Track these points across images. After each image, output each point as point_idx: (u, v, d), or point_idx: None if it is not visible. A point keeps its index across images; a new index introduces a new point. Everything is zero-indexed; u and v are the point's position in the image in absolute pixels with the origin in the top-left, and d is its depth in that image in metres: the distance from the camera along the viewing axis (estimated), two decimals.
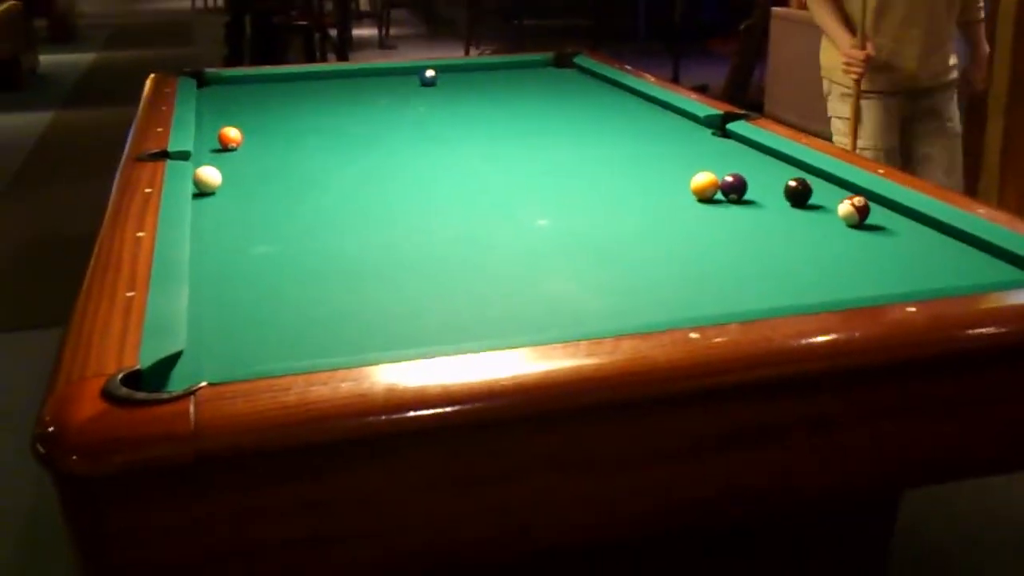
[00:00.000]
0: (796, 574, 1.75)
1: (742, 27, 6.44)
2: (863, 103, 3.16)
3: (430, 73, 3.36)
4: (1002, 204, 4.57)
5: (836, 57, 3.17)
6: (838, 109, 3.29)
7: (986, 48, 3.38)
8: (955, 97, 3.27)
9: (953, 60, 3.23)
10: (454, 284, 1.65)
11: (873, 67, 3.09)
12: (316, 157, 2.47)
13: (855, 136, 3.17)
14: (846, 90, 3.20)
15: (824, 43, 3.31)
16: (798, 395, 1.34)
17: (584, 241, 1.86)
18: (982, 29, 3.33)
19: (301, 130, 2.76)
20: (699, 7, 7.73)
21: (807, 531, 1.71)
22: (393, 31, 10.15)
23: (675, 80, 7.21)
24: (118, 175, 2.07)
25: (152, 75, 3.19)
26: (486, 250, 1.82)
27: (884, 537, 1.78)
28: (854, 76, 3.09)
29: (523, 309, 1.54)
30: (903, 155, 3.22)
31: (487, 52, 8.02)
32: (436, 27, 10.56)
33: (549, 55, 3.74)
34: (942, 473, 1.55)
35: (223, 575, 1.16)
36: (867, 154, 3.08)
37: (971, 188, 4.60)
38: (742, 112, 2.67)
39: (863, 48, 3.04)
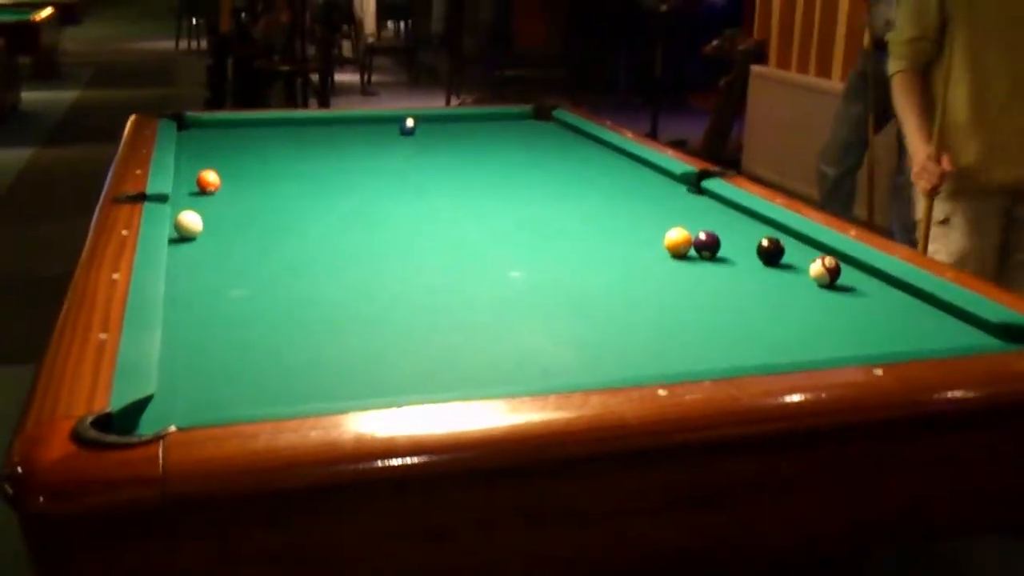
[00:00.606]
0: None
1: (720, 83, 6.54)
2: (951, 205, 2.72)
3: (410, 123, 3.39)
4: None
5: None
6: (920, 208, 2.83)
7: None
8: None
9: None
10: (426, 334, 1.66)
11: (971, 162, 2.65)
12: (294, 203, 2.48)
13: (926, 239, 2.78)
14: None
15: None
16: (765, 454, 1.36)
17: (557, 294, 1.88)
18: None
19: (280, 175, 2.78)
20: (681, 61, 7.83)
21: None
22: (375, 78, 10.22)
23: (654, 134, 7.30)
24: (95, 216, 2.07)
25: (133, 116, 3.21)
26: (460, 301, 1.83)
27: None
28: (925, 188, 2.71)
29: (494, 360, 1.55)
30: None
31: (468, 101, 8.09)
32: (418, 75, 10.65)
33: (529, 108, 3.78)
34: (905, 534, 1.56)
35: None
36: (945, 260, 2.63)
37: None
38: (717, 170, 2.71)
39: (938, 160, 2.63)
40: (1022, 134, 2.66)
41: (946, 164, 2.65)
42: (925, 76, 2.74)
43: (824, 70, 5.66)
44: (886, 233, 4.40)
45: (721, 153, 6.51)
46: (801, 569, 1.67)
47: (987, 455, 1.47)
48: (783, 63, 6.10)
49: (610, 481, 1.31)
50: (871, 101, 4.28)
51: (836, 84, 5.25)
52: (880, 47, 4.32)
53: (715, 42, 6.75)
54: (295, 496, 1.17)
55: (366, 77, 9.86)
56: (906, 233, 4.33)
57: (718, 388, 1.36)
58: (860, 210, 4.52)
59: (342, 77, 10.00)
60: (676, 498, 1.34)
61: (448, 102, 8.23)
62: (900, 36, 2.76)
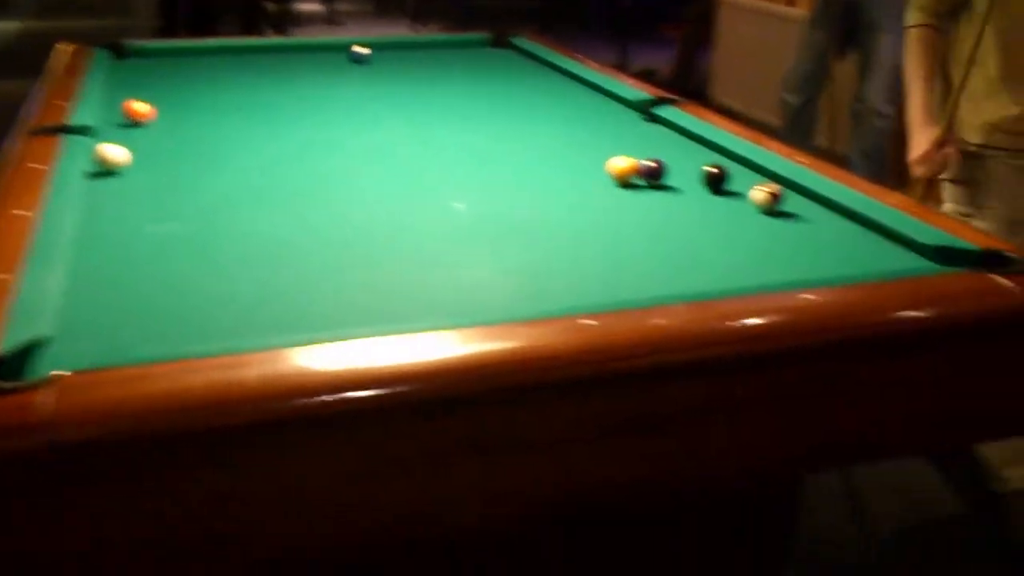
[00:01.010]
0: (697, 561, 1.74)
1: (687, 13, 6.43)
2: (984, 164, 2.47)
3: (362, 51, 3.29)
4: None
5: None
6: (953, 168, 2.57)
7: None
8: None
9: None
10: (358, 267, 1.61)
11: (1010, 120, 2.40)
12: (237, 134, 2.40)
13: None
14: (971, 147, 2.49)
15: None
16: (703, 381, 1.32)
17: (500, 224, 1.83)
18: None
19: (224, 106, 2.69)
20: None
21: (708, 518, 1.70)
22: (341, 7, 10.02)
23: (623, 65, 7.20)
24: (3, 150, 1.98)
25: (58, 45, 3.06)
26: (399, 232, 1.78)
27: (787, 521, 1.78)
28: (924, 176, 2.48)
29: (428, 293, 1.50)
30: None
31: (434, 30, 7.94)
32: (384, 4, 10.44)
33: (487, 36, 3.69)
34: (849, 456, 1.55)
35: (87, 571, 1.12)
36: (988, 226, 2.37)
37: None
38: (672, 97, 2.65)
39: (943, 143, 2.42)
40: None
41: (950, 149, 2.45)
42: (942, 34, 2.49)
43: None
44: (846, 161, 4.36)
45: (689, 83, 6.43)
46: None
47: (926, 378, 1.44)
48: None
49: (554, 411, 1.26)
50: (834, 28, 4.22)
51: (803, 12, 5.16)
52: None
53: None
54: (200, 439, 1.12)
55: (331, 6, 9.65)
56: (866, 160, 4.31)
57: (649, 316, 1.33)
58: (822, 138, 4.47)
59: (308, 5, 9.80)
60: (622, 426, 1.30)
61: (413, 31, 8.08)
62: None
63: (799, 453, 1.43)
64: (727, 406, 1.34)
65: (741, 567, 1.76)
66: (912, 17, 2.55)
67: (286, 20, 7.63)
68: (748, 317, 1.37)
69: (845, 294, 1.44)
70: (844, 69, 4.35)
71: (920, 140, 2.49)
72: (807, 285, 1.46)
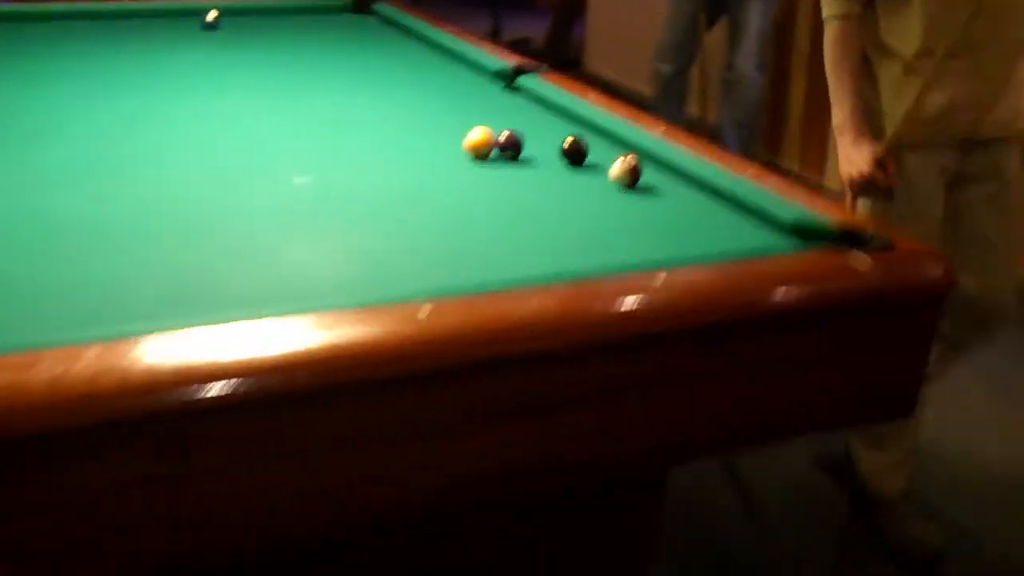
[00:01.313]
0: (563, 554, 1.67)
1: None
2: (899, 158, 2.22)
3: (211, 15, 3.11)
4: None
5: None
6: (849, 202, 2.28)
7: None
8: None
9: None
10: (182, 250, 1.47)
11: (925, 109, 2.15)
12: (61, 105, 2.21)
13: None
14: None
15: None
16: (573, 366, 1.25)
17: (344, 202, 1.71)
18: None
19: (49, 75, 2.48)
20: None
21: (576, 510, 1.64)
22: None
23: (496, 33, 7.10)
24: None
25: None
26: (231, 211, 1.65)
27: (655, 512, 1.73)
28: (854, 192, 2.21)
29: (251, 279, 1.39)
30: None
31: None
32: None
33: (349, 1, 3.53)
34: (720, 445, 1.52)
35: None
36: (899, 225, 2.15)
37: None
38: (534, 66, 2.56)
39: (883, 162, 2.14)
40: (999, 67, 2.16)
41: (891, 169, 2.16)
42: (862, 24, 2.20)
43: None
44: (718, 130, 4.37)
45: (563, 53, 6.37)
46: None
47: (790, 363, 1.40)
48: None
49: (418, 401, 1.18)
50: None
51: None
52: None
53: None
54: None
55: None
56: (738, 129, 4.32)
57: (504, 300, 1.25)
58: (694, 108, 4.47)
59: None
60: (493, 415, 1.23)
61: None
62: None
63: (678, 440, 1.38)
64: (602, 390, 1.28)
65: (607, 560, 1.70)
66: (833, 7, 2.20)
67: None
68: (616, 298, 1.29)
69: (709, 275, 1.38)
70: (714, 38, 4.34)
71: (856, 158, 2.18)
72: (669, 263, 1.40)
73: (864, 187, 2.18)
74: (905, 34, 2.15)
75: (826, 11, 2.22)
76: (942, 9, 2.10)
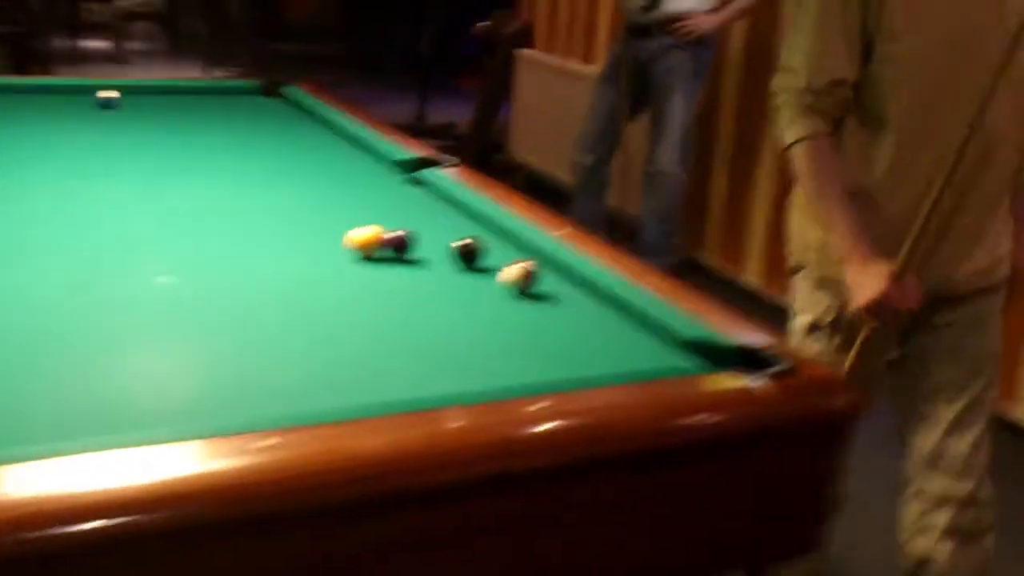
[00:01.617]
0: None
1: (487, 67, 6.35)
2: (835, 303, 1.96)
3: (108, 94, 2.96)
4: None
5: (811, 233, 1.97)
6: (809, 304, 2.01)
7: None
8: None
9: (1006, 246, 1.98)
10: (14, 363, 1.31)
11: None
12: None
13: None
14: (824, 275, 1.96)
15: (798, 203, 2.03)
16: (412, 513, 1.10)
17: (203, 306, 1.57)
18: None
19: None
20: (456, 40, 7.56)
21: None
22: (136, 45, 9.50)
23: (420, 118, 7.04)
24: None
25: None
26: (72, 315, 1.49)
27: None
28: (873, 325, 1.86)
29: (65, 405, 1.21)
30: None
31: (229, 75, 7.56)
32: (180, 42, 9.95)
33: (257, 83, 3.42)
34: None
35: None
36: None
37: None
38: (441, 158, 2.46)
39: (898, 275, 1.81)
40: (977, 221, 1.89)
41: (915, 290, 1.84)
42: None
43: (589, 55, 5.54)
44: (637, 223, 4.31)
45: (487, 139, 6.32)
46: None
47: (691, 494, 1.27)
48: (549, 47, 5.96)
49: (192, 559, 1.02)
50: (624, 89, 4.17)
51: (599, 70, 5.13)
52: (633, 32, 4.22)
53: (486, 22, 6.54)
54: None
55: (121, 44, 9.10)
56: (658, 222, 4.26)
57: (343, 433, 1.10)
58: (614, 199, 4.41)
59: (93, 43, 9.21)
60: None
61: (205, 74, 7.69)
62: (801, 82, 1.85)
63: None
64: (454, 539, 1.14)
65: None
66: (804, 127, 1.86)
67: (43, 55, 7.01)
68: (486, 432, 1.17)
69: (589, 404, 1.25)
70: (636, 130, 4.30)
71: (870, 280, 1.82)
72: (554, 388, 1.28)
73: (882, 310, 1.84)
74: (872, 172, 1.88)
75: (789, 137, 1.89)
76: (912, 151, 1.85)
